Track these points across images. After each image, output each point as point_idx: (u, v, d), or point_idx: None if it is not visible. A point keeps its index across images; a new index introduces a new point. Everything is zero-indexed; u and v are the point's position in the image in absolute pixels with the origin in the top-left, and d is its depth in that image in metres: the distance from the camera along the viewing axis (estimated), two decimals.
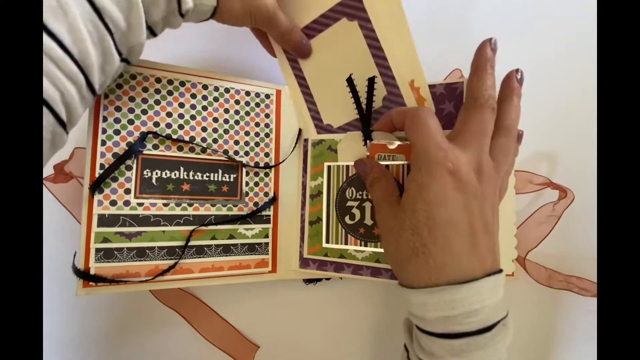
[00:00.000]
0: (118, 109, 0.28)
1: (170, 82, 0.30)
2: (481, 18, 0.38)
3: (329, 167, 0.32)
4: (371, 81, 0.29)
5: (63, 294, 0.34)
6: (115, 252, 0.27)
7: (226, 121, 0.32)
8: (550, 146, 0.35)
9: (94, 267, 0.27)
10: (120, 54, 0.22)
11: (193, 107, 0.31)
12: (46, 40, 0.17)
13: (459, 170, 0.21)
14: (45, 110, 0.18)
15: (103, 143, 0.28)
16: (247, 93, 0.33)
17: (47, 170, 0.34)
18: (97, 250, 0.27)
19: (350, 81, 0.30)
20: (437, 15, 0.39)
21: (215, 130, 0.31)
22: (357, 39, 0.28)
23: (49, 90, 0.18)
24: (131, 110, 0.29)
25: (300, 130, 0.34)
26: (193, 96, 0.31)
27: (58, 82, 0.18)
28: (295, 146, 0.34)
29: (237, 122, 0.32)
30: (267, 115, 0.34)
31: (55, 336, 0.34)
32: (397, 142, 0.29)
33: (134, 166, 0.28)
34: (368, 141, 0.30)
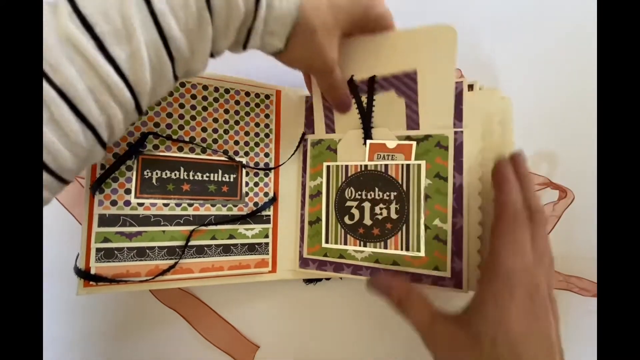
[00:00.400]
0: None
1: None
2: (480, 18, 0.38)
3: (328, 167, 0.32)
4: (371, 80, 0.29)
5: (63, 294, 0.34)
6: (116, 252, 0.28)
7: (226, 121, 0.32)
8: (550, 146, 0.35)
9: (95, 267, 0.27)
10: (176, 78, 0.21)
11: (193, 107, 0.31)
12: (104, 65, 0.17)
13: (539, 294, 0.21)
14: (88, 133, 0.18)
15: None
16: (247, 93, 0.33)
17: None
18: (98, 250, 0.27)
19: (351, 82, 0.30)
20: (436, 14, 0.39)
21: (215, 131, 0.31)
22: (398, 114, 0.29)
23: (95, 115, 0.17)
24: None
25: (303, 134, 0.34)
26: (193, 97, 0.31)
27: (107, 107, 0.18)
28: (296, 151, 0.34)
29: (237, 123, 0.32)
30: (267, 116, 0.34)
31: (55, 336, 0.34)
32: (397, 142, 0.29)
33: (135, 166, 0.28)
34: (368, 140, 0.30)
